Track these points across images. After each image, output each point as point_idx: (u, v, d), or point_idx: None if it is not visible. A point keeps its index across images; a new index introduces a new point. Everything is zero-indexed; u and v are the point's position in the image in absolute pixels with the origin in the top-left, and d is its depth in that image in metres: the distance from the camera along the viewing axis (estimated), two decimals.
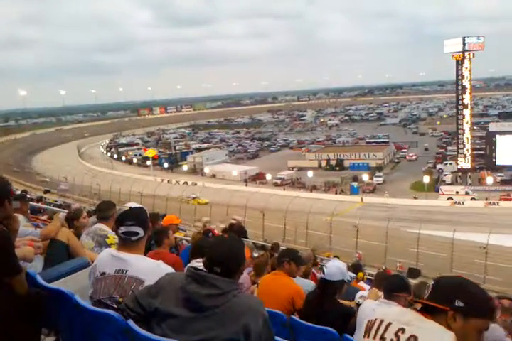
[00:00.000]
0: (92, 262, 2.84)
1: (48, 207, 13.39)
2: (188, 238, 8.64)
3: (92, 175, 53.78)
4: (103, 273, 2.56)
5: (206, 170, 65.59)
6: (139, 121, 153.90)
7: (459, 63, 52.12)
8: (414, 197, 46.01)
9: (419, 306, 1.76)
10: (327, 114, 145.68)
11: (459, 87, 52.53)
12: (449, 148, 67.97)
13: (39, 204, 13.23)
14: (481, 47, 52.22)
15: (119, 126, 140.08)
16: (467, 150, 51.85)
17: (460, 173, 52.38)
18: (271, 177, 57.32)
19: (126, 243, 2.61)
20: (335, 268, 3.71)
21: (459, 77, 52.26)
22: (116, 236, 3.07)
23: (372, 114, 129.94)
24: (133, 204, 2.73)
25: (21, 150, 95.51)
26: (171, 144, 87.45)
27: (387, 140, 79.86)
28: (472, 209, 41.31)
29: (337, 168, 62.90)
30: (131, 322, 2.08)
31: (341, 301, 3.97)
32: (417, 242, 28.56)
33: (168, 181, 57.57)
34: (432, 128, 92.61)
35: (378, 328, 1.74)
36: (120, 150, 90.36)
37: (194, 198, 43.39)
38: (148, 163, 68.10)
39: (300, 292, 3.97)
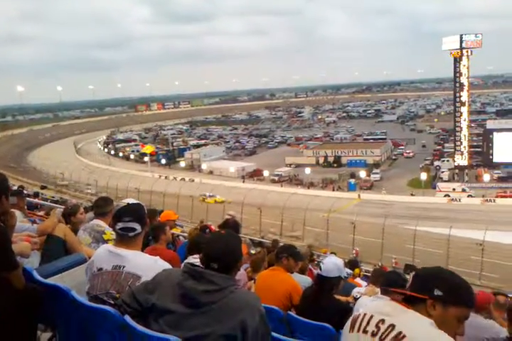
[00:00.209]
0: (89, 258, 2.84)
1: (45, 202, 13.41)
2: (185, 234, 8.65)
3: (89, 171, 53.71)
4: (100, 269, 2.56)
5: (204, 166, 65.56)
6: (136, 117, 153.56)
7: (457, 60, 52.15)
8: (412, 194, 46.13)
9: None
10: (325, 110, 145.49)
11: (457, 85, 52.60)
12: (446, 145, 68.10)
13: (36, 200, 13.22)
14: (479, 45, 52.24)
15: (117, 122, 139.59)
16: (464, 147, 51.96)
17: (457, 170, 52.49)
18: (268, 174, 57.35)
19: (123, 239, 2.62)
20: (332, 264, 3.71)
21: (457, 75, 52.31)
22: (113, 232, 3.07)
23: (370, 111, 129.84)
24: (131, 200, 2.73)
25: (17, 146, 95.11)
26: (168, 140, 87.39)
27: (384, 137, 79.93)
28: (469, 206, 41.47)
29: (334, 165, 62.95)
30: (127, 318, 2.08)
31: (338, 296, 3.98)
32: (414, 239, 28.67)
33: (166, 177, 57.54)
34: (430, 126, 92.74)
35: (362, 322, 1.77)
36: (117, 146, 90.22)
37: (211, 196, 43.08)
38: (146, 159, 68.05)
39: (298, 288, 3.98)
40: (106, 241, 3.82)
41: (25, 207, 5.38)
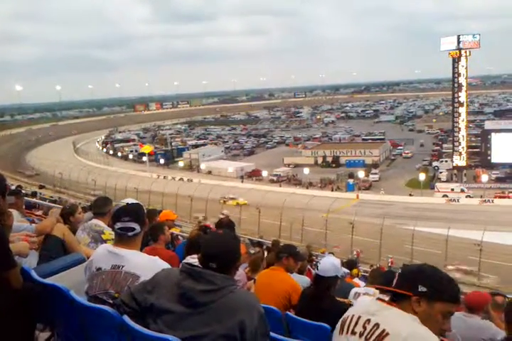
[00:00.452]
0: (88, 258, 2.84)
1: (43, 202, 13.37)
2: (184, 234, 8.66)
3: (87, 171, 53.64)
4: (99, 269, 2.56)
5: (202, 166, 65.55)
6: (135, 117, 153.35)
7: (456, 61, 52.20)
8: (410, 195, 46.18)
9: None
10: (323, 110, 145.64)
11: (455, 85, 52.64)
12: (444, 145, 68.18)
13: (34, 200, 13.20)
14: (477, 45, 52.30)
15: (115, 121, 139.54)
16: (463, 147, 52.02)
17: (455, 171, 52.56)
18: (267, 174, 57.35)
19: (122, 238, 2.62)
20: (329, 264, 3.72)
21: (455, 75, 52.35)
22: (112, 232, 3.07)
23: (368, 111, 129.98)
24: (130, 200, 2.73)
25: (12, 147, 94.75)
26: (167, 140, 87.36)
27: (383, 137, 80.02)
28: (467, 206, 41.53)
29: (333, 165, 63.00)
30: (126, 318, 2.08)
31: (340, 299, 3.98)
32: (412, 239, 28.69)
33: (164, 177, 57.52)
34: (428, 126, 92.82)
35: (350, 323, 1.79)
36: (116, 146, 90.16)
37: (232, 198, 42.79)
38: (144, 159, 68.03)
39: (297, 288, 3.98)
40: (105, 241, 3.82)
41: (24, 207, 5.38)
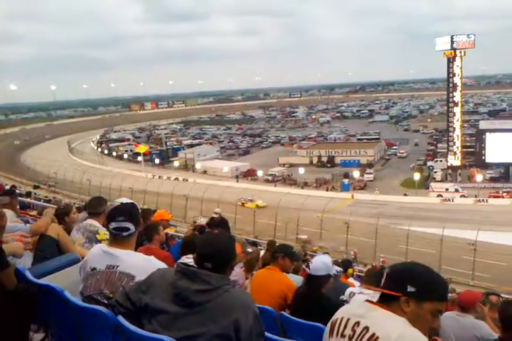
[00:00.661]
0: (82, 258, 2.83)
1: (38, 202, 13.33)
2: (179, 234, 8.65)
3: (82, 170, 53.43)
4: (94, 269, 2.55)
5: (197, 166, 65.44)
6: (130, 117, 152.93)
7: (450, 61, 52.35)
8: (405, 194, 46.28)
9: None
10: (319, 110, 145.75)
11: (450, 85, 52.81)
12: (439, 145, 68.38)
13: (28, 200, 13.16)
14: (471, 45, 52.46)
15: (111, 121, 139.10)
16: (457, 147, 52.21)
17: (450, 170, 52.73)
18: (262, 174, 57.34)
19: (117, 238, 2.61)
20: (320, 263, 3.73)
21: (450, 75, 52.51)
22: (107, 232, 3.06)
23: (363, 111, 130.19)
24: (124, 200, 2.72)
25: (6, 147, 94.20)
26: (162, 140, 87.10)
27: (378, 137, 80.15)
28: (461, 206, 41.65)
29: (328, 165, 62.99)
30: (120, 318, 2.08)
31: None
32: (407, 239, 28.77)
33: (160, 177, 57.41)
34: (423, 126, 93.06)
35: (339, 326, 1.77)
36: (111, 145, 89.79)
37: (251, 201, 42.24)
38: (140, 158, 67.85)
39: (293, 287, 3.99)
40: (99, 241, 3.81)
41: (18, 207, 5.36)
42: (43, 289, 2.44)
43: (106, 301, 2.41)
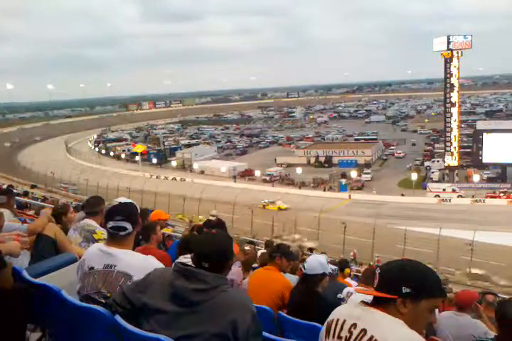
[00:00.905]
0: (80, 257, 2.83)
1: (35, 202, 13.30)
2: (176, 234, 8.64)
3: (79, 170, 53.39)
4: (91, 268, 2.54)
5: (195, 166, 65.39)
6: (127, 117, 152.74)
7: (448, 61, 52.39)
8: (402, 194, 46.35)
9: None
10: (316, 110, 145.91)
11: (447, 85, 52.85)
12: (436, 145, 68.54)
13: (26, 199, 13.13)
14: (468, 46, 52.47)
15: (108, 121, 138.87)
16: (454, 147, 52.25)
17: (447, 171, 52.80)
18: (260, 174, 57.35)
19: (114, 238, 2.60)
20: (315, 261, 3.73)
21: (448, 76, 52.54)
22: (104, 232, 3.06)
23: (361, 111, 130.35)
24: (123, 199, 2.71)
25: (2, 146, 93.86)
26: (159, 140, 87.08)
27: (375, 137, 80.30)
28: (459, 206, 41.76)
29: (326, 165, 63.08)
30: (118, 318, 2.08)
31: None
32: (404, 239, 28.80)
33: (157, 177, 57.36)
34: (421, 126, 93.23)
35: (335, 328, 1.75)
36: (108, 145, 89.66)
37: (272, 203, 42.01)
38: (137, 158, 67.79)
39: (290, 287, 3.99)
40: (96, 241, 3.80)
41: (15, 206, 5.35)
42: (40, 289, 2.44)
43: (103, 300, 2.41)
